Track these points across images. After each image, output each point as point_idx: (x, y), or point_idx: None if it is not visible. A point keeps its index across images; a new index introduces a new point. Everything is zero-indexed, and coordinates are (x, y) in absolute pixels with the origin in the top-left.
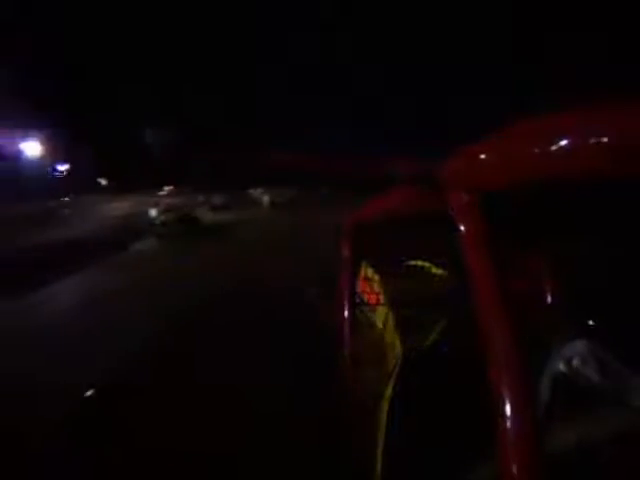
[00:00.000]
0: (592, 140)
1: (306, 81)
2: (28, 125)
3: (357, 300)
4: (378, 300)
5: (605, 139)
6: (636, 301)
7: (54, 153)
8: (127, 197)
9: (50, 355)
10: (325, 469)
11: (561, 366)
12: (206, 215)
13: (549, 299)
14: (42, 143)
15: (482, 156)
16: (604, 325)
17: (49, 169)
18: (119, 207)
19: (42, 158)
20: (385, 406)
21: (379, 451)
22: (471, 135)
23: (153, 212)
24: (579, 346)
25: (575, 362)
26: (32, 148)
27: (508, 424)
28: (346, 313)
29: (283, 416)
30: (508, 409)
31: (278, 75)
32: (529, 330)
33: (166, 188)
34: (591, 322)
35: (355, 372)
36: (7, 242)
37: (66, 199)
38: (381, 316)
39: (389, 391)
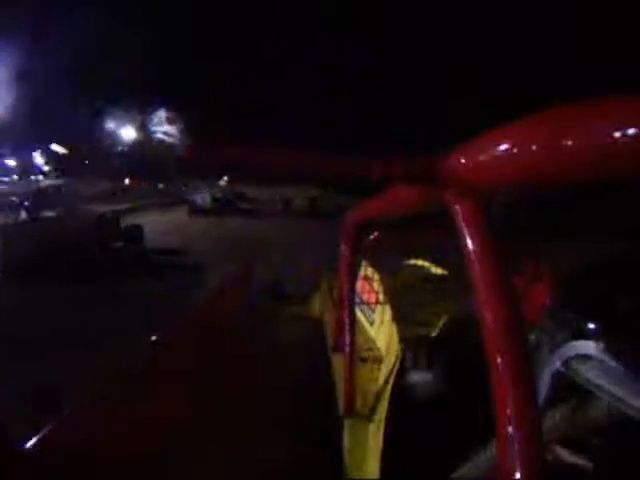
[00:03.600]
0: (602, 137)
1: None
2: None
3: (357, 299)
4: (378, 299)
5: (615, 136)
6: (637, 301)
7: None
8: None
9: None
10: (325, 469)
11: (561, 366)
12: None
13: (549, 299)
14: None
15: (484, 153)
16: (605, 325)
17: None
18: None
19: None
20: (385, 404)
21: (379, 450)
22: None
23: None
24: (579, 346)
25: (575, 362)
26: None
27: (508, 423)
28: (346, 312)
29: (281, 415)
30: (508, 408)
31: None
32: (529, 330)
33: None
34: (592, 322)
35: (355, 370)
36: None
37: None
38: (381, 315)
39: (389, 389)
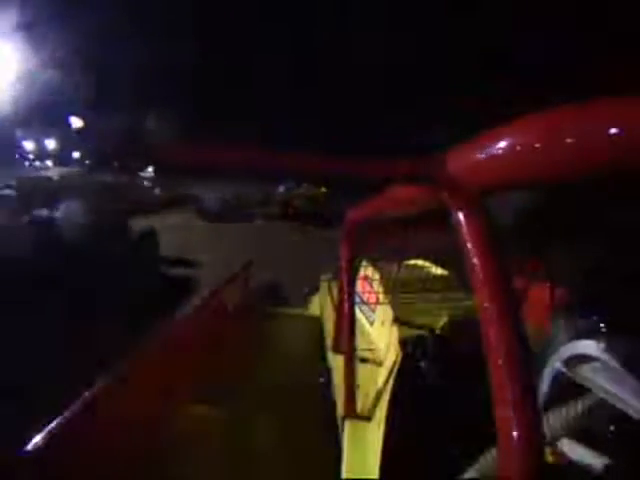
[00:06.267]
0: (605, 136)
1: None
2: None
3: (357, 300)
4: (378, 299)
5: (616, 135)
6: (637, 301)
7: None
8: None
9: None
10: (324, 470)
11: (561, 366)
12: None
13: (549, 299)
14: None
15: (485, 152)
16: (605, 325)
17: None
18: None
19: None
20: (385, 404)
21: (379, 450)
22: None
23: None
24: (579, 346)
25: (575, 362)
26: None
27: (508, 423)
28: (346, 313)
29: (280, 416)
30: (508, 408)
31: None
32: (530, 330)
33: None
34: (592, 322)
35: (355, 371)
36: None
37: None
38: (381, 315)
39: (389, 390)
